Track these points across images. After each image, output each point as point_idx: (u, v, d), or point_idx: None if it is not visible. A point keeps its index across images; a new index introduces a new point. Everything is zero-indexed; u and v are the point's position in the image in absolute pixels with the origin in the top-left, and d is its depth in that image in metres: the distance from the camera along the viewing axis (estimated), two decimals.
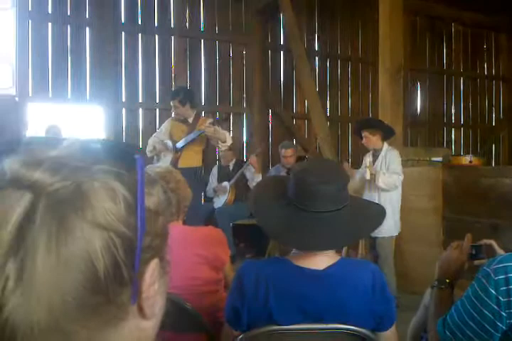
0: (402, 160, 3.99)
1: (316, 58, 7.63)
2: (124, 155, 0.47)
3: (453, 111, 8.91)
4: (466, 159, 4.47)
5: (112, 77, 6.40)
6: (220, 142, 4.53)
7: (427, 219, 4.38)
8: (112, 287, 0.42)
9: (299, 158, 5.57)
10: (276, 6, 6.67)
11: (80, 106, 6.54)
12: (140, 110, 6.68)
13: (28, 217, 0.40)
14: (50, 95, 6.16)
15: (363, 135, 3.93)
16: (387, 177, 3.79)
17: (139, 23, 6.64)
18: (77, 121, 6.33)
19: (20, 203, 0.40)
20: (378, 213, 1.38)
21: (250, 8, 7.06)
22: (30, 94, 6.01)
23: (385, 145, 3.94)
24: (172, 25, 6.82)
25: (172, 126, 4.77)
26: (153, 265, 0.47)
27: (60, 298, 0.39)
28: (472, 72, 8.99)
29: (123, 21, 6.56)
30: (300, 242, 1.30)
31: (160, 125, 6.64)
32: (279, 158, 5.74)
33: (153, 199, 0.48)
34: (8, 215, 0.40)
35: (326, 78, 7.72)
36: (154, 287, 0.47)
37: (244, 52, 7.23)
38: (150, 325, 0.48)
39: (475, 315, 1.33)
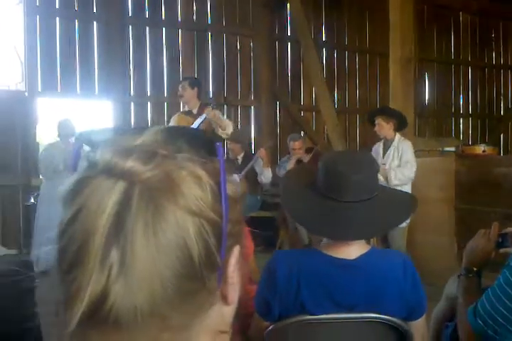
0: (415, 151, 3.98)
1: (324, 49, 7.59)
2: (205, 144, 0.47)
3: (461, 100, 8.86)
4: (480, 148, 4.45)
5: (120, 71, 6.41)
6: (220, 129, 4.48)
7: (440, 210, 4.38)
8: (205, 272, 0.43)
9: (308, 150, 5.56)
10: None
11: (89, 101, 6.56)
12: (148, 104, 6.68)
13: (124, 205, 0.40)
14: (59, 90, 6.18)
15: (376, 122, 3.91)
16: (399, 174, 3.78)
17: (146, 16, 6.62)
18: (86, 115, 6.34)
19: (114, 191, 0.41)
20: (409, 201, 1.39)
21: (257, 0, 7.02)
22: (39, 89, 6.02)
23: (398, 135, 3.94)
24: (179, 19, 6.81)
25: (179, 119, 4.75)
26: (236, 251, 0.47)
27: (160, 284, 0.40)
28: (480, 62, 8.93)
29: (130, 15, 6.54)
30: (333, 232, 1.30)
31: (168, 118, 6.66)
32: (288, 151, 5.73)
33: (231, 186, 0.48)
34: (103, 203, 0.40)
35: (333, 69, 7.69)
36: (237, 273, 0.48)
37: (251, 44, 7.21)
38: (230, 312, 0.49)
39: (507, 302, 1.34)
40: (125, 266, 0.39)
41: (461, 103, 8.87)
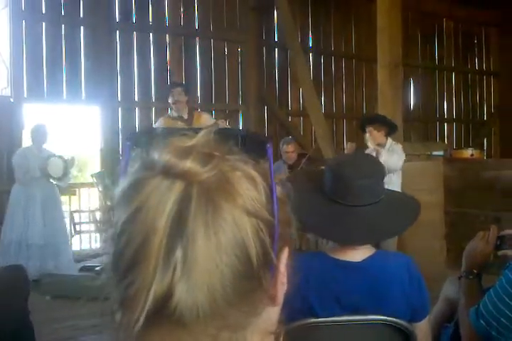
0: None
1: (310, 55, 7.65)
2: (256, 145, 0.48)
3: (445, 106, 9.00)
4: (468, 152, 4.52)
5: (107, 77, 6.37)
6: None
7: (429, 213, 4.42)
8: (261, 272, 0.43)
9: (300, 156, 5.57)
10: (271, 3, 6.69)
11: (76, 107, 6.51)
12: (136, 109, 6.65)
13: (183, 204, 0.41)
14: (46, 96, 6.11)
15: (367, 130, 3.97)
16: (389, 156, 3.84)
17: (134, 21, 6.60)
18: (73, 121, 6.29)
19: (173, 191, 0.41)
20: (413, 206, 1.40)
21: (244, 6, 7.07)
22: (25, 95, 5.95)
23: (389, 140, 3.99)
24: (167, 23, 6.80)
25: (167, 124, 4.70)
26: (286, 252, 0.48)
27: (220, 282, 0.41)
28: (464, 67, 9.09)
29: (117, 20, 6.51)
30: (341, 236, 1.31)
31: (156, 123, 6.63)
32: (279, 155, 5.74)
33: (278, 188, 0.49)
34: (163, 203, 0.41)
35: (320, 74, 7.75)
36: (286, 274, 0.48)
37: (239, 50, 7.24)
38: (276, 312, 0.50)
39: (510, 303, 1.36)
40: (188, 264, 0.40)
41: (446, 108, 9.01)
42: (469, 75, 9.19)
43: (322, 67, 7.82)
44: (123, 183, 0.44)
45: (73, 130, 5.29)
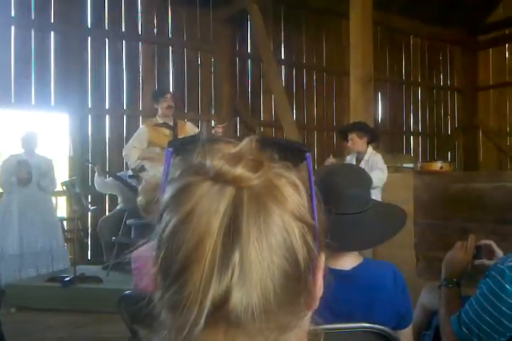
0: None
1: (283, 67, 7.75)
2: (296, 153, 0.50)
3: (412, 119, 9.25)
4: (437, 165, 4.65)
5: (77, 83, 6.27)
6: None
7: None
8: (307, 275, 0.44)
9: None
10: (245, 15, 6.76)
11: (45, 113, 6.37)
12: (107, 116, 6.55)
13: (235, 208, 0.42)
14: (13, 101, 5.96)
15: (349, 137, 4.02)
16: (371, 173, 3.90)
17: (106, 28, 6.54)
18: (41, 127, 6.14)
19: (224, 196, 0.42)
20: (400, 213, 1.44)
21: (218, 17, 7.11)
22: None
23: (370, 148, 4.05)
24: (140, 31, 6.77)
25: (150, 132, 4.66)
26: (323, 257, 0.49)
27: (272, 284, 0.42)
28: (429, 83, 9.38)
29: (89, 26, 6.44)
30: (332, 244, 1.33)
31: (127, 132, 6.56)
32: None
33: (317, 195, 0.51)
34: (214, 207, 0.42)
35: (291, 86, 7.85)
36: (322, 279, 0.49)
37: (212, 60, 7.26)
38: (309, 316, 0.51)
39: (492, 310, 1.41)
40: (244, 266, 0.40)
41: (412, 121, 9.26)
42: (434, 90, 9.48)
43: (294, 79, 7.93)
44: (171, 188, 0.45)
45: (41, 137, 5.15)
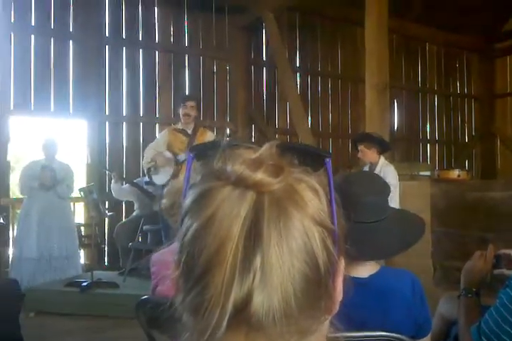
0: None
1: (298, 74, 7.76)
2: (315, 158, 0.50)
3: (428, 127, 9.18)
4: (455, 173, 4.60)
5: (95, 91, 6.36)
6: None
7: None
8: (327, 280, 0.45)
9: None
10: (260, 23, 6.80)
11: (63, 120, 6.47)
12: (124, 124, 6.63)
13: (256, 213, 0.42)
14: (32, 108, 6.06)
15: (359, 149, 4.01)
16: None
17: (123, 36, 6.63)
18: (60, 134, 6.23)
19: (245, 200, 0.43)
20: (419, 222, 1.43)
21: (234, 25, 7.16)
22: (11, 107, 5.89)
23: (382, 159, 4.02)
24: (156, 40, 6.85)
25: (171, 136, 4.65)
26: (343, 262, 0.49)
27: (292, 288, 0.42)
28: (445, 90, 9.32)
29: (107, 35, 6.54)
30: (349, 252, 1.32)
31: (143, 139, 6.63)
32: None
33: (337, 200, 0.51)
34: (235, 211, 0.42)
35: (306, 94, 7.86)
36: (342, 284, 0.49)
37: (227, 68, 7.31)
38: (329, 321, 0.51)
39: None
40: (265, 270, 0.41)
41: (428, 129, 9.19)
42: (451, 98, 9.41)
43: (309, 87, 7.94)
44: (192, 193, 0.46)
45: (60, 143, 5.24)
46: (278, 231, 0.42)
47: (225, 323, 0.40)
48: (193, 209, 0.45)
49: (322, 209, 0.46)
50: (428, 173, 4.71)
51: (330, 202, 0.48)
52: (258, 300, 0.40)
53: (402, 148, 8.66)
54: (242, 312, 0.40)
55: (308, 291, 0.43)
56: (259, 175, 0.43)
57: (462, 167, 8.83)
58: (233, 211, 0.42)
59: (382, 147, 4.02)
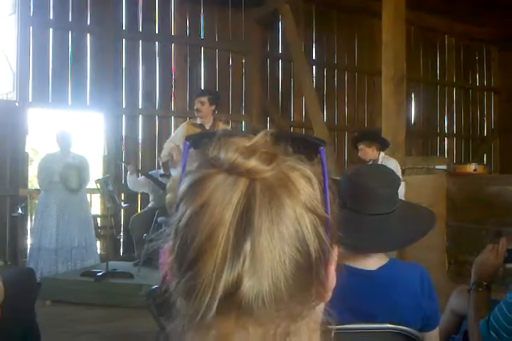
0: (407, 168, 4.07)
1: (314, 67, 7.72)
2: (310, 147, 0.50)
3: (446, 121, 9.06)
4: (471, 167, 4.56)
5: (112, 84, 6.41)
6: None
7: None
8: (319, 266, 0.45)
9: None
10: (276, 16, 6.77)
11: (80, 112, 6.54)
12: (140, 117, 6.68)
13: (248, 199, 0.43)
14: (50, 101, 6.14)
15: (359, 148, 4.08)
16: None
17: (140, 29, 6.67)
18: (77, 126, 6.32)
19: (237, 187, 0.44)
20: (428, 215, 1.42)
21: (250, 17, 7.14)
22: (30, 100, 5.98)
23: (381, 154, 4.09)
24: (173, 33, 6.87)
25: (188, 130, 4.64)
26: (336, 251, 0.50)
27: (283, 273, 0.43)
28: (464, 83, 9.17)
29: (124, 28, 6.58)
30: (357, 244, 1.32)
31: (159, 132, 6.68)
32: None
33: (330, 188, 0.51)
34: (228, 198, 0.43)
35: (322, 87, 7.81)
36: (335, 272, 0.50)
37: (243, 61, 7.30)
38: (322, 309, 0.51)
39: None
40: (255, 255, 0.42)
41: (446, 123, 9.07)
42: (470, 91, 9.26)
43: (325, 80, 7.89)
44: (187, 180, 0.47)
45: (76, 136, 5.31)
46: (269, 217, 0.43)
47: (215, 306, 0.41)
48: (188, 195, 0.46)
49: (315, 197, 0.46)
50: (444, 167, 4.67)
51: (324, 190, 0.48)
52: (248, 285, 0.41)
53: (420, 141, 8.57)
54: (232, 295, 0.41)
55: (298, 277, 0.44)
56: (252, 163, 0.44)
57: (480, 161, 8.72)
58: (226, 198, 0.43)
59: (382, 144, 4.06)
